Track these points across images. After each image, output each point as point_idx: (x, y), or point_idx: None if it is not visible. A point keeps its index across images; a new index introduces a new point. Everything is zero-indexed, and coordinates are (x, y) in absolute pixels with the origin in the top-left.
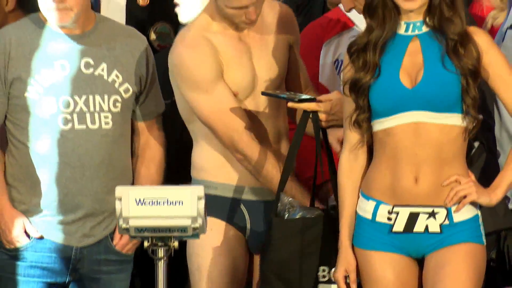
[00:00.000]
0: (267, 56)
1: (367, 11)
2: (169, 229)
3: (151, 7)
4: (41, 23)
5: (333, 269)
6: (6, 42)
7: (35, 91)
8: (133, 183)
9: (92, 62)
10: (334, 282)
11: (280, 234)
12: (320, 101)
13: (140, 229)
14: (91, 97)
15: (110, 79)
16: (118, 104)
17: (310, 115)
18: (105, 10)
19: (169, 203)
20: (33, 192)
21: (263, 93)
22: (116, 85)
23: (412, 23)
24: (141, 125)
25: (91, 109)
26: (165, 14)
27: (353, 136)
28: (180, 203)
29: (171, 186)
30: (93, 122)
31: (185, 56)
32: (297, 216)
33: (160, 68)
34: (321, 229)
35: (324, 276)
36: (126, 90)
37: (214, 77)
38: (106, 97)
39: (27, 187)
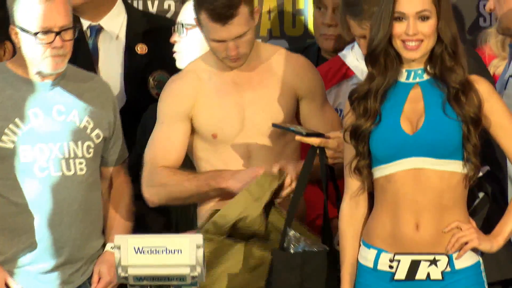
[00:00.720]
0: (262, 101)
1: (369, 59)
2: (168, 278)
3: (149, 55)
4: (9, 72)
5: None
6: None
7: (10, 140)
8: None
9: (63, 109)
10: None
11: (281, 266)
12: (328, 137)
13: (139, 278)
14: (65, 144)
15: (82, 125)
16: (91, 150)
17: (318, 151)
18: (103, 59)
19: (168, 251)
20: (12, 242)
21: (273, 125)
22: (88, 131)
23: (414, 71)
24: (109, 170)
25: (66, 155)
26: (164, 62)
27: (353, 183)
28: (179, 251)
29: (170, 234)
30: (68, 168)
31: (167, 85)
32: (300, 250)
33: None
34: (322, 264)
35: None
36: (97, 136)
37: (177, 114)
38: (79, 143)
39: (5, 237)
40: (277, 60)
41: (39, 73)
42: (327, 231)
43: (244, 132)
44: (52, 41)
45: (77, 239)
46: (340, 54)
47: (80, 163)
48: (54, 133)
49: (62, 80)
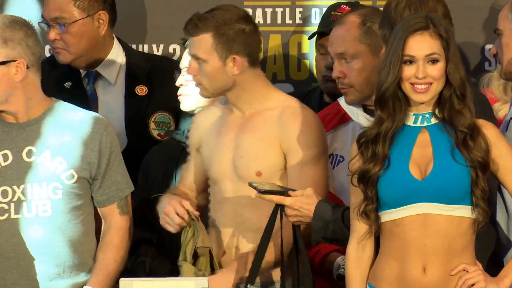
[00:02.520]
0: (246, 146)
1: (379, 103)
2: None
3: (149, 96)
4: None
5: None
6: None
7: None
8: None
9: (35, 150)
10: None
11: None
12: (288, 195)
13: None
14: (29, 186)
15: (52, 166)
16: (59, 191)
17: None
18: (102, 104)
19: None
20: None
21: (249, 184)
22: (58, 171)
23: (421, 115)
24: (101, 211)
25: (29, 197)
26: (164, 103)
27: (361, 227)
28: None
29: (175, 278)
30: (29, 210)
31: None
32: None
33: (162, 156)
34: None
35: None
36: (70, 177)
37: (191, 144)
38: (44, 184)
39: None
40: (279, 111)
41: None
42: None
43: (234, 176)
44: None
45: (39, 281)
46: (338, 99)
47: (44, 205)
48: (20, 174)
49: (41, 120)
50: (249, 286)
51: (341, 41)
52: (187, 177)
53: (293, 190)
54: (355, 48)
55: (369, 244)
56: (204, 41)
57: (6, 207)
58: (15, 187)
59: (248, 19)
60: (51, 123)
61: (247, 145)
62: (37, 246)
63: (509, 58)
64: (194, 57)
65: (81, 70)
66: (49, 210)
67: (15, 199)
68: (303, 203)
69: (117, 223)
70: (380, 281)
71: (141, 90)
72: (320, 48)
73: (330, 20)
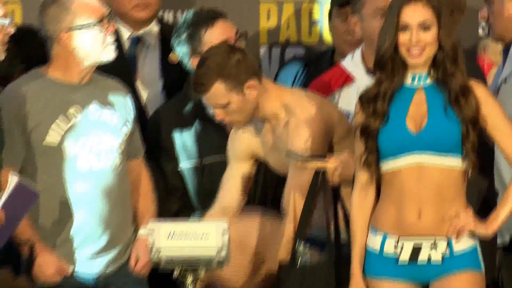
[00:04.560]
0: (282, 146)
1: (378, 65)
2: (196, 260)
3: (181, 63)
4: (46, 77)
5: None
6: (20, 96)
7: (55, 137)
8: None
9: (97, 108)
10: None
11: (285, 279)
12: (326, 161)
13: (170, 260)
14: (103, 139)
15: (113, 122)
16: (122, 144)
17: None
18: (141, 67)
19: (196, 236)
20: (59, 231)
21: (287, 153)
22: (119, 127)
23: (418, 76)
24: (131, 163)
25: (105, 149)
26: None
27: (363, 176)
28: (207, 236)
29: (198, 220)
30: (107, 161)
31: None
32: (305, 263)
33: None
34: (322, 276)
35: None
36: (125, 132)
37: (237, 155)
38: (114, 137)
39: (53, 226)
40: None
41: (91, 66)
42: (336, 244)
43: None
44: (108, 28)
45: (117, 225)
46: (341, 62)
47: (116, 156)
48: (93, 129)
49: (90, 84)
50: (297, 244)
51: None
52: (228, 191)
53: (324, 157)
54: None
55: (371, 191)
56: (218, 90)
57: (87, 158)
58: (91, 140)
59: (233, 47)
60: (98, 86)
61: (285, 146)
62: (115, 193)
63: (500, 25)
64: (216, 106)
65: (123, 33)
66: (119, 160)
67: (94, 150)
68: (343, 165)
69: (147, 173)
70: (381, 224)
71: (174, 57)
72: (342, 15)
73: None
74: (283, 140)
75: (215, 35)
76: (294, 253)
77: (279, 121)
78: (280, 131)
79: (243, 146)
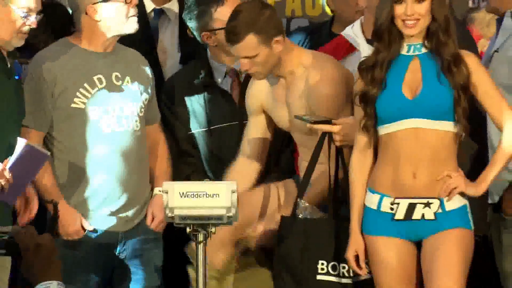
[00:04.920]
0: (296, 102)
1: (375, 36)
2: (208, 218)
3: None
4: (74, 46)
5: (330, 263)
6: (49, 62)
7: (81, 101)
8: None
9: (120, 76)
10: (331, 275)
11: (286, 232)
12: (334, 124)
13: (183, 218)
14: (125, 105)
15: (134, 89)
16: (143, 110)
17: (326, 136)
18: (162, 39)
19: (207, 195)
20: (81, 190)
21: (295, 116)
22: (139, 94)
23: (413, 45)
24: (150, 128)
25: (126, 114)
26: None
27: (362, 139)
28: (217, 195)
29: (209, 181)
30: (128, 125)
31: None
32: (306, 217)
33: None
34: (322, 229)
35: (322, 269)
36: (144, 98)
37: (251, 111)
38: (135, 103)
39: (75, 185)
40: (317, 72)
41: (114, 37)
42: (336, 202)
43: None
44: (131, 1)
45: (135, 185)
46: (342, 33)
47: (136, 121)
48: (116, 95)
49: (113, 54)
50: (298, 199)
51: None
52: (244, 150)
53: (330, 120)
54: None
55: (369, 154)
56: (250, 42)
57: (109, 122)
58: (114, 105)
59: (264, 4)
60: (120, 56)
61: (303, 101)
62: (134, 155)
63: None
64: (245, 57)
65: (147, 6)
66: (139, 125)
67: (116, 115)
68: (348, 129)
69: (163, 138)
70: (377, 185)
71: (191, 32)
72: None
73: None
74: (297, 96)
75: (225, 12)
76: (295, 208)
77: (296, 78)
78: (295, 87)
79: (254, 100)
